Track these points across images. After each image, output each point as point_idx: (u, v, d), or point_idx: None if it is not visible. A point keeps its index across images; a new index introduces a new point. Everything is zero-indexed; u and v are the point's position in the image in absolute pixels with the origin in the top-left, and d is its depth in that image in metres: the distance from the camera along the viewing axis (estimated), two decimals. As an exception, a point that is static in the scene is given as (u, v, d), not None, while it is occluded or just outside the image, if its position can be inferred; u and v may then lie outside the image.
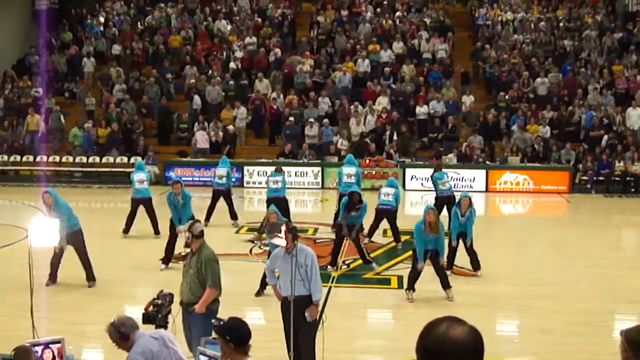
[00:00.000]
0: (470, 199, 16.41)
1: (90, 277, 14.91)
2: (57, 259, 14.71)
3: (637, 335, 5.31)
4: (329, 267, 16.38)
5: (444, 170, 21.57)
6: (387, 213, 18.38)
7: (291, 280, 9.79)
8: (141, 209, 19.85)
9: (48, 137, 32.07)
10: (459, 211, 16.00)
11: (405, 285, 14.56)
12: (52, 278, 14.80)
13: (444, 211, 19.04)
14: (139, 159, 28.32)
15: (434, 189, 20.98)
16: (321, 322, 10.39)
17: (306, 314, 10.01)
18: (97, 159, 30.52)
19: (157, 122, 32.27)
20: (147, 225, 19.95)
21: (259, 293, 14.37)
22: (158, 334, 7.52)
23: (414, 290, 14.33)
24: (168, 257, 16.41)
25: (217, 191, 21.13)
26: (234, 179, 25.86)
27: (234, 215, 21.14)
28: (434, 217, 14.37)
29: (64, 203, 15.08)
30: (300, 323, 9.97)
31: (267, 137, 32.16)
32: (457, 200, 17.28)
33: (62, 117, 32.95)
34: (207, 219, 20.50)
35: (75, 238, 14.81)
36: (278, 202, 19.27)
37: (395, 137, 29.69)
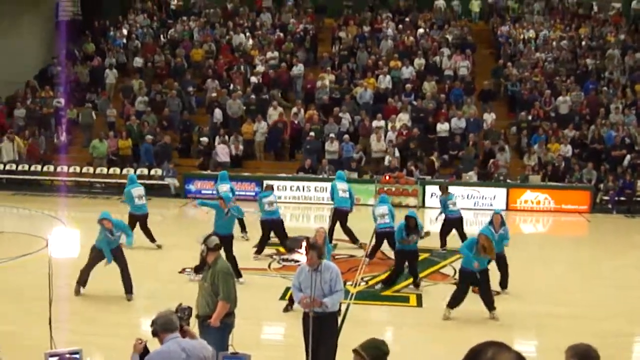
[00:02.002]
0: (502, 216, 16.28)
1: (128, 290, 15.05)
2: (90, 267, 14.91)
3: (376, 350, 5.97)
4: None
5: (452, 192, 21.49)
6: (388, 236, 18.03)
7: (311, 297, 9.74)
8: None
9: (69, 146, 32.25)
10: (492, 229, 15.78)
11: (447, 302, 14.38)
12: (82, 282, 15.01)
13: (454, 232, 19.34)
14: (131, 170, 28.45)
15: (442, 211, 20.81)
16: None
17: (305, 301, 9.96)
18: (117, 171, 30.55)
19: (179, 135, 32.26)
20: (167, 238, 19.98)
21: (287, 309, 14.24)
22: (190, 350, 7.32)
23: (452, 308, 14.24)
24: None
25: None
26: (253, 193, 26.11)
27: (244, 228, 21.05)
28: (488, 241, 14.24)
29: (118, 221, 15.40)
30: (322, 339, 9.90)
31: (286, 153, 32.12)
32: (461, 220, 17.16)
33: (93, 113, 33.44)
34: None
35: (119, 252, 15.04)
36: (275, 225, 19.21)
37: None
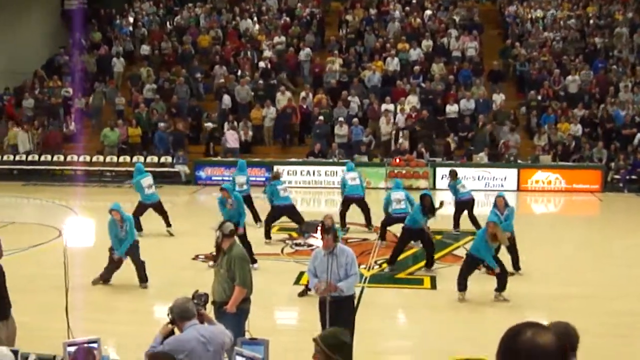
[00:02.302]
0: (504, 197, 16.30)
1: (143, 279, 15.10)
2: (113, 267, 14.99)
3: (334, 339, 5.87)
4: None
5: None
6: (401, 220, 17.85)
7: (327, 281, 9.74)
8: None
9: (78, 136, 32.29)
10: (497, 212, 15.82)
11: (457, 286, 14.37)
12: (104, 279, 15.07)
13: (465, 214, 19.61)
14: (141, 158, 28.53)
15: (453, 195, 20.77)
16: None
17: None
18: (127, 159, 30.58)
19: (188, 122, 32.20)
20: (178, 225, 20.01)
21: (302, 293, 14.25)
22: (208, 337, 7.34)
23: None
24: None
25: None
26: (263, 178, 26.17)
27: (257, 218, 21.05)
28: (496, 227, 14.23)
29: (128, 216, 15.37)
30: (339, 324, 9.85)
31: (296, 138, 32.04)
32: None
33: (104, 96, 33.55)
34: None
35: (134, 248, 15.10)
36: (288, 210, 19.32)
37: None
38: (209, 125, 31.07)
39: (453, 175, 20.98)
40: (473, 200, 20.42)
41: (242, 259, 9.99)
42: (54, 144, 31.70)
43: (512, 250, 15.97)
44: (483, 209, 25.97)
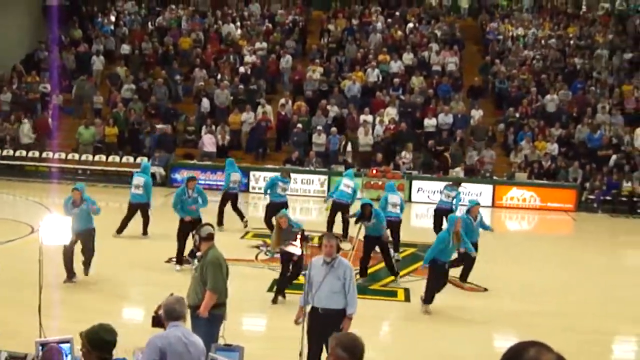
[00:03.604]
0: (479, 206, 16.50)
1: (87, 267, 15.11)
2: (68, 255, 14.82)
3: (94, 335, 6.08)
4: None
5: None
6: (393, 224, 18.13)
7: (315, 291, 9.57)
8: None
9: (59, 128, 32.13)
10: (470, 218, 15.93)
11: (423, 298, 14.35)
12: (70, 275, 14.93)
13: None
14: (145, 159, 28.35)
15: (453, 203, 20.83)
16: None
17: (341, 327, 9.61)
18: (103, 158, 30.41)
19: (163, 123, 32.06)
20: (152, 227, 19.91)
21: (275, 300, 14.27)
22: (190, 339, 7.28)
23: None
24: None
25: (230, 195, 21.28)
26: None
27: (242, 216, 21.21)
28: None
29: (89, 198, 15.29)
30: (328, 336, 9.61)
31: (271, 151, 31.91)
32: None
33: (86, 85, 33.52)
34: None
35: (88, 235, 14.99)
36: (281, 207, 19.38)
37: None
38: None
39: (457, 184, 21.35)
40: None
41: (215, 264, 9.83)
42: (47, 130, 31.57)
43: (468, 260, 15.91)
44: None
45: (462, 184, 27.60)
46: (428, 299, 14.18)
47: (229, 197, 21.16)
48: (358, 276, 16.50)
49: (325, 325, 9.51)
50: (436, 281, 14.25)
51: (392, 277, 16.55)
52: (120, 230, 19.68)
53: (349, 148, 29.99)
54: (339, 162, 29.22)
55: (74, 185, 15.70)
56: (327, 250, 9.76)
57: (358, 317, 14.00)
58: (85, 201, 15.06)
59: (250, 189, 28.40)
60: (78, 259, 15.07)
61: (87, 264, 15.06)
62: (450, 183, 21.86)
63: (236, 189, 21.16)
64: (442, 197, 20.86)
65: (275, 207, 19.07)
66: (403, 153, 29.51)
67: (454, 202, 20.63)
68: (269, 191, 20.24)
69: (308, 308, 9.79)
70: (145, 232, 19.89)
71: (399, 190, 26.42)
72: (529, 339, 3.40)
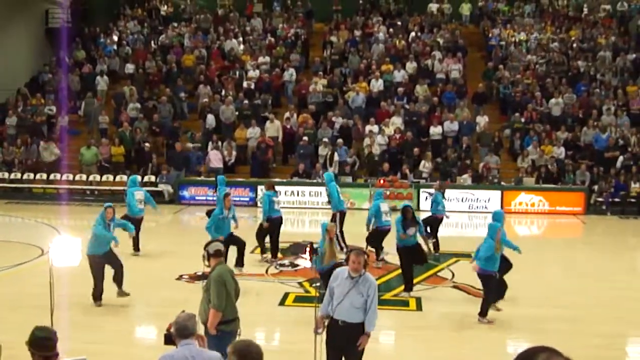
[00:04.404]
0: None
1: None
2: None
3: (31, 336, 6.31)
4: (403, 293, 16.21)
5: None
6: (387, 233, 18.30)
7: (336, 305, 9.52)
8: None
9: (66, 149, 32.21)
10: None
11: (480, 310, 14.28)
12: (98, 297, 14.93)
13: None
14: (124, 177, 28.46)
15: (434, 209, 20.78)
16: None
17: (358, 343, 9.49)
18: (111, 178, 30.48)
19: (166, 141, 32.09)
20: (162, 244, 19.91)
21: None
22: (193, 358, 7.23)
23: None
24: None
25: None
26: (247, 199, 26.23)
27: None
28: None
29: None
30: (349, 349, 9.55)
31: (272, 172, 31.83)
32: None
33: (95, 102, 33.89)
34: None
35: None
36: (278, 223, 19.30)
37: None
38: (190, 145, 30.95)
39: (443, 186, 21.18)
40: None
41: (217, 281, 9.72)
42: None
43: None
44: (467, 230, 26.19)
45: (470, 191, 27.75)
46: (484, 312, 14.13)
47: None
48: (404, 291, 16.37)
49: (343, 337, 9.46)
50: (492, 294, 14.26)
51: (402, 287, 16.45)
52: (136, 247, 19.68)
53: (336, 157, 29.84)
54: (345, 173, 29.20)
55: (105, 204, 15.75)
56: (354, 267, 9.48)
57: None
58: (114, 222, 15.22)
59: (259, 204, 28.35)
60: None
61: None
62: (433, 190, 21.58)
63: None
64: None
65: (275, 223, 19.10)
66: (422, 162, 29.51)
67: (440, 207, 20.47)
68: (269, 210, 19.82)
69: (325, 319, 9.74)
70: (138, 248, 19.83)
71: (407, 199, 26.59)
72: (540, 344, 3.39)
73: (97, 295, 14.74)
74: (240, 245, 17.29)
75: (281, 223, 19.49)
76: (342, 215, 20.32)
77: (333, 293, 9.59)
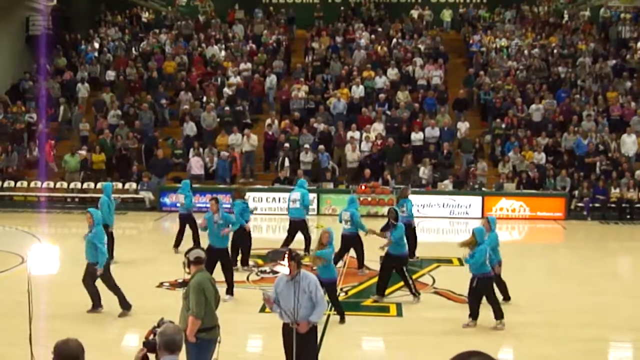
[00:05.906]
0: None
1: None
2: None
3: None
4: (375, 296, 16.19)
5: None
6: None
7: (294, 307, 9.64)
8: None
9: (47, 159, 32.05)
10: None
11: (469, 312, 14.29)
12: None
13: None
14: (134, 185, 28.31)
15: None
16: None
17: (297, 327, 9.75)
18: (92, 185, 30.35)
19: (145, 149, 32.00)
20: (143, 251, 19.83)
21: None
22: None
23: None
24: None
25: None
26: (229, 205, 26.08)
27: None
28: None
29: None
30: (302, 350, 9.81)
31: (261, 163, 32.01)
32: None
33: (75, 111, 34.15)
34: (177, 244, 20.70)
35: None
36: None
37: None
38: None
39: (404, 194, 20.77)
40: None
41: (196, 288, 9.66)
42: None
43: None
44: (447, 236, 26.24)
45: (451, 197, 27.78)
46: (499, 315, 14.14)
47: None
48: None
49: (300, 339, 9.72)
50: (494, 294, 14.32)
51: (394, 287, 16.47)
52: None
53: (286, 163, 29.93)
54: (327, 179, 29.19)
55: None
56: (290, 273, 9.82)
57: (353, 334, 14.06)
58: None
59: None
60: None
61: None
62: (398, 196, 21.49)
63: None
64: (400, 213, 20.59)
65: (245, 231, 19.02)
66: (422, 169, 29.54)
67: (407, 212, 20.23)
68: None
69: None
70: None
71: (390, 205, 26.56)
72: (472, 349, 3.40)
73: (124, 304, 14.77)
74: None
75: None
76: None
77: (279, 300, 9.83)
